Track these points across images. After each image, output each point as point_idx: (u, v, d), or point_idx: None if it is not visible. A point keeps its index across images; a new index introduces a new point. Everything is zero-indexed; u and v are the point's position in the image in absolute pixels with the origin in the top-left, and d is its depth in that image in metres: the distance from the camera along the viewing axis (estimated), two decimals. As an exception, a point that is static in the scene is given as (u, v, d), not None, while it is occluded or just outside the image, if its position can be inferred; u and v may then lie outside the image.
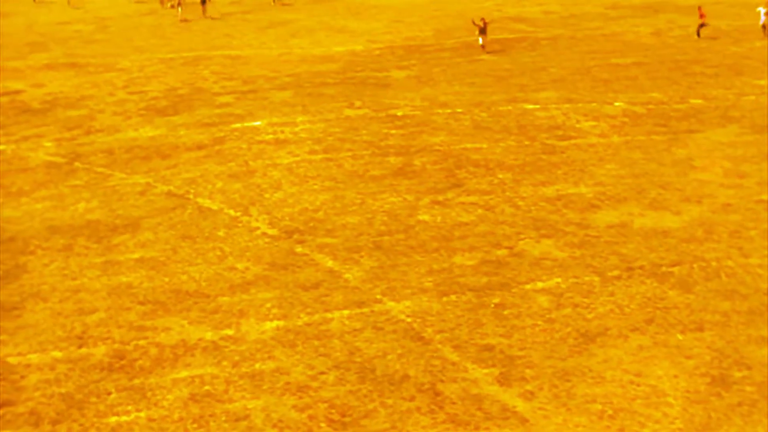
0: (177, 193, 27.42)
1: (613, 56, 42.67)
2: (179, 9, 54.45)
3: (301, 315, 20.11)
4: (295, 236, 24.07)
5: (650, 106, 35.07)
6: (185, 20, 52.03)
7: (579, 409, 16.57)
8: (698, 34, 46.62)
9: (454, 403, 16.78)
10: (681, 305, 20.11)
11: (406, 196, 26.52)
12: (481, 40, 45.23)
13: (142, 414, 16.72)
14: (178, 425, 16.41)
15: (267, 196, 26.84)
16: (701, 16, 47.23)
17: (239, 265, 22.51)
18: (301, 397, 17.05)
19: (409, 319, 19.75)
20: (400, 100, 37.01)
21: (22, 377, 17.97)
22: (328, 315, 20.09)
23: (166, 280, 21.89)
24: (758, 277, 21.33)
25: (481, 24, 45.17)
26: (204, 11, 54.62)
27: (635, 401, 16.71)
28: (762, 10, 44.73)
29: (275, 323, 19.80)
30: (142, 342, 19.09)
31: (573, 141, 30.72)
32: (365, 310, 20.32)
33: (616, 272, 21.63)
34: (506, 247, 23.00)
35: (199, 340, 19.14)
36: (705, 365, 17.88)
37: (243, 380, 17.67)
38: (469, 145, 30.05)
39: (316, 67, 43.35)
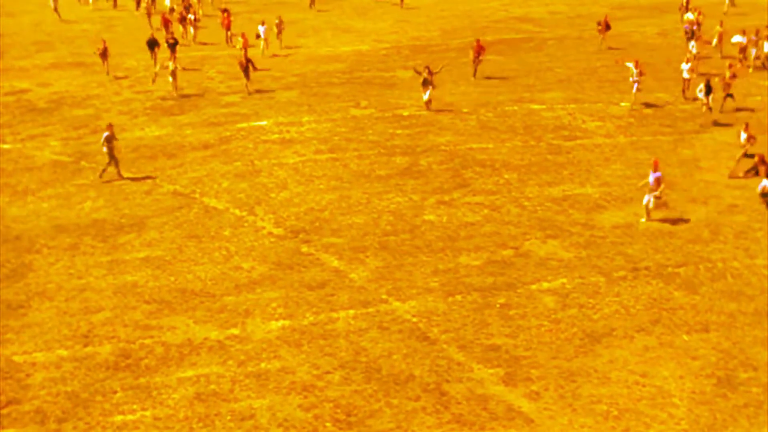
0: (183, 192, 27.45)
1: (621, 55, 42.62)
2: (171, 79, 38.14)
3: (307, 314, 20.12)
4: (301, 236, 24.08)
5: (656, 107, 35.03)
6: (164, 97, 38.20)
7: (584, 409, 16.57)
8: (474, 75, 39.97)
9: (459, 403, 16.80)
10: (687, 306, 20.11)
11: (411, 196, 26.52)
12: (426, 95, 34.82)
13: (147, 413, 16.75)
14: (183, 424, 16.44)
15: (273, 195, 26.86)
16: (479, 50, 39.77)
17: (245, 265, 22.54)
18: (306, 397, 17.07)
19: (414, 319, 19.76)
20: (406, 100, 36.99)
21: (28, 376, 18.01)
22: (334, 315, 20.10)
23: (172, 279, 21.92)
24: (764, 278, 21.33)
25: (426, 73, 34.65)
26: (248, 86, 38.35)
27: (641, 402, 16.71)
28: (631, 65, 35.15)
29: (281, 323, 19.82)
30: (147, 341, 19.12)
31: (579, 141, 30.71)
32: (371, 309, 20.33)
33: (621, 273, 21.62)
34: (512, 248, 23.00)
35: (205, 339, 19.16)
36: (711, 366, 17.88)
37: (248, 379, 17.69)
38: (475, 146, 30.06)
39: (322, 66, 43.34)
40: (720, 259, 22.29)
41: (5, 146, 32.49)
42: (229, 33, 48.18)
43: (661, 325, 19.35)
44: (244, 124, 33.75)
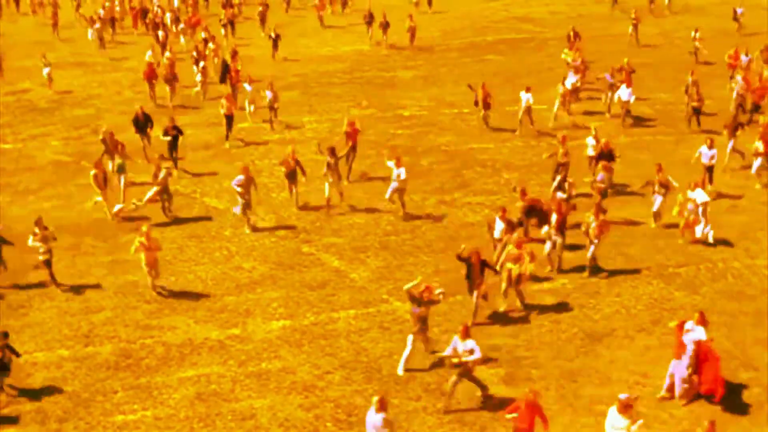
0: (184, 192, 27.44)
1: (620, 57, 42.56)
2: (166, 200, 25.78)
3: (308, 314, 20.13)
4: (302, 236, 24.08)
5: (657, 107, 35.02)
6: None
7: (585, 409, 16.58)
8: (348, 176, 27.53)
9: (460, 403, 16.79)
10: (688, 306, 20.10)
11: (412, 196, 26.49)
12: (327, 190, 25.28)
13: (148, 413, 16.76)
14: (184, 424, 16.45)
15: (274, 195, 26.84)
16: (351, 132, 27.88)
17: (246, 265, 22.54)
18: (307, 397, 17.07)
19: (415, 319, 19.73)
20: (407, 100, 37.03)
21: (29, 375, 18.01)
22: (335, 315, 20.11)
23: (173, 279, 21.92)
24: (765, 279, 21.33)
25: (328, 155, 25.27)
26: (297, 198, 26.00)
27: (642, 402, 16.68)
28: (391, 164, 25.05)
29: (281, 323, 19.82)
30: (148, 341, 19.12)
31: (580, 141, 30.62)
32: (371, 309, 20.34)
33: (622, 273, 21.60)
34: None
35: (206, 339, 19.17)
36: (712, 366, 17.86)
37: (249, 379, 17.70)
38: (475, 146, 30.04)
39: (323, 66, 43.35)
40: (720, 260, 22.28)
41: (6, 146, 32.50)
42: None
43: (661, 326, 19.34)
44: (245, 124, 33.70)
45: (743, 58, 36.88)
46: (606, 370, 17.80)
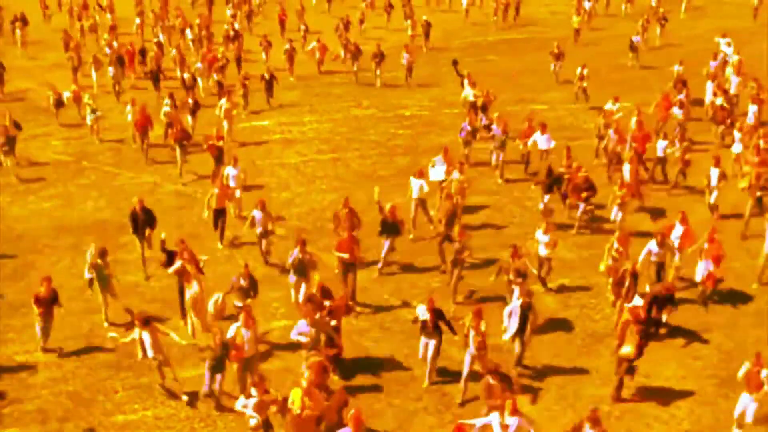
0: (185, 192, 27.44)
1: (621, 57, 42.58)
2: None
3: (308, 314, 20.07)
4: (303, 236, 24.01)
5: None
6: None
7: (586, 410, 16.48)
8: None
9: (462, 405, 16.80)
10: (688, 306, 20.08)
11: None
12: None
13: (149, 412, 16.78)
14: (184, 424, 16.47)
15: (274, 195, 26.83)
16: (348, 214, 22.11)
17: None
18: (308, 397, 17.04)
19: (416, 319, 19.73)
20: (408, 99, 37.03)
21: (30, 375, 18.02)
22: (335, 315, 20.08)
23: (174, 279, 21.87)
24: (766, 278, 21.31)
25: (300, 247, 19.96)
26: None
27: (642, 402, 16.71)
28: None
29: (282, 322, 19.84)
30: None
31: (580, 141, 30.63)
32: (372, 309, 20.33)
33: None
34: (514, 247, 22.91)
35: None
36: (712, 366, 17.91)
37: (250, 379, 17.66)
38: (476, 146, 29.96)
39: (323, 66, 43.30)
40: (721, 260, 22.26)
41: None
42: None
43: (662, 326, 19.34)
44: (246, 124, 33.73)
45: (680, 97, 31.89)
46: (607, 370, 17.79)
